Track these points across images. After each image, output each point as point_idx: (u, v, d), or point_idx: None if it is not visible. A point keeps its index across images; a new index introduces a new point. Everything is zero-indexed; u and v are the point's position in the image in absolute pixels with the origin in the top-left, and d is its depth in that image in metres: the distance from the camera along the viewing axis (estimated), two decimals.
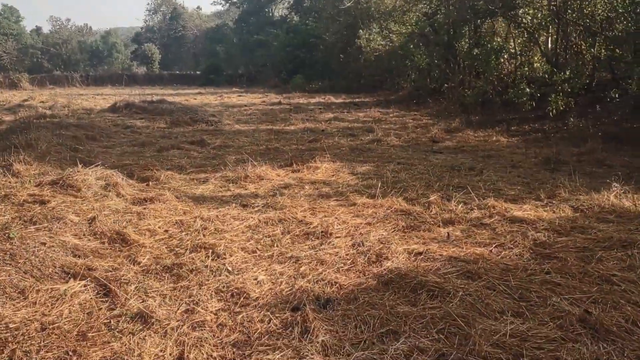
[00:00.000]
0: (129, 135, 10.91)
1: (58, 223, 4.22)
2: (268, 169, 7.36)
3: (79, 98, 22.44)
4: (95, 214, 4.60)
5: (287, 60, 37.42)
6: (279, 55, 38.25)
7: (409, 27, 25.53)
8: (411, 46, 23.83)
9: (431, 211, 5.31)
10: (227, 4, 54.60)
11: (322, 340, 2.74)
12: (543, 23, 14.87)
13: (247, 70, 45.27)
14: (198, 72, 48.32)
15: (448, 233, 4.57)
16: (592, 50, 14.20)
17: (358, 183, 6.69)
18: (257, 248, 4.26)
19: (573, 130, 10.83)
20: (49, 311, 2.93)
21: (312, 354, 2.62)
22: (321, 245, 4.33)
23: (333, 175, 7.15)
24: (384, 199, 5.72)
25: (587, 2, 14.20)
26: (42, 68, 59.66)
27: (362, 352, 2.65)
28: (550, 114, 12.24)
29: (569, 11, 14.40)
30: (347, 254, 4.11)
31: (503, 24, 18.26)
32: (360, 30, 29.29)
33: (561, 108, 11.82)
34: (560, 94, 11.75)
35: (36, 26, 67.68)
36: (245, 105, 20.28)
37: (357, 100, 23.19)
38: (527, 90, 12.29)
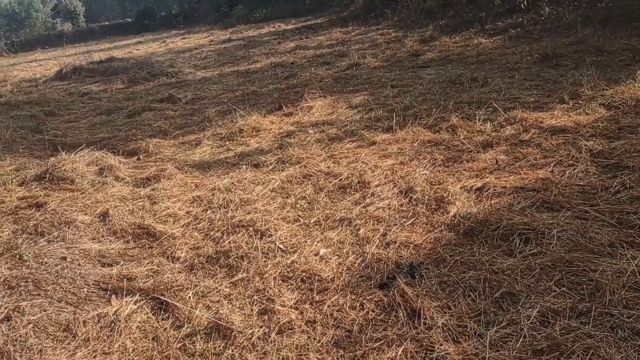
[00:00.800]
0: (88, 103, 9.98)
1: (69, 228, 3.65)
2: (259, 118, 6.78)
3: (14, 69, 20.65)
4: (104, 208, 4.04)
5: None
6: None
7: None
8: None
9: (459, 136, 4.92)
10: None
11: (443, 324, 2.37)
12: None
13: (182, 10, 42.74)
14: (130, 20, 45.36)
15: (496, 159, 4.20)
16: None
17: (363, 117, 6.21)
18: (298, 215, 3.81)
19: (551, 20, 10.43)
20: (109, 347, 2.47)
21: (440, 344, 2.25)
22: (364, 198, 3.92)
23: (332, 113, 6.63)
24: (402, 131, 5.29)
25: None
26: None
27: (493, 330, 2.30)
28: (522, 5, 11.80)
29: None
30: (400, 205, 3.71)
31: None
32: None
33: None
34: None
35: None
36: (196, 49, 19.05)
37: (309, 23, 22.13)
38: None
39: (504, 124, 5.00)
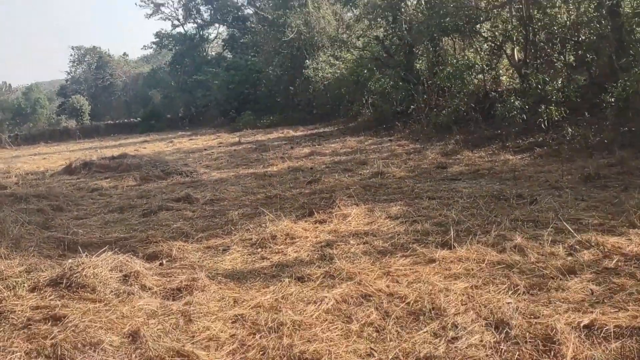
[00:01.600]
0: (99, 200, 9.50)
1: (95, 352, 2.98)
2: (290, 224, 6.28)
3: (17, 161, 20.43)
4: (134, 325, 3.39)
5: (232, 98, 36.35)
6: (221, 93, 37.11)
7: (359, 52, 25.18)
8: (365, 71, 23.44)
9: (530, 258, 4.41)
10: (159, 48, 53.08)
11: None
12: (510, 34, 14.62)
13: (188, 112, 43.83)
14: (137, 120, 46.33)
15: (591, 290, 3.66)
16: (563, 57, 14.06)
17: (407, 229, 5.72)
18: (370, 348, 3.17)
19: (577, 140, 10.33)
20: None
21: None
22: (445, 330, 3.31)
23: (371, 223, 6.15)
24: (461, 248, 4.78)
25: (551, 9, 14.11)
26: None
27: None
28: (543, 125, 11.82)
29: (535, 19, 14.24)
30: (496, 342, 3.09)
31: (460, 40, 18.04)
32: (307, 61, 28.75)
33: (555, 118, 11.42)
34: (554, 104, 11.36)
35: None
36: (205, 150, 19.00)
37: (318, 131, 22.41)
38: (517, 103, 11.82)
39: (578, 247, 4.51)
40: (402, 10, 19.41)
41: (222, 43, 50.32)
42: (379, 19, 20.59)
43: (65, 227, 7.13)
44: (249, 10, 47.22)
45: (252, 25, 41.88)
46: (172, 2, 49.18)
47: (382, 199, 7.42)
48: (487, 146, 11.45)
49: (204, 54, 49.90)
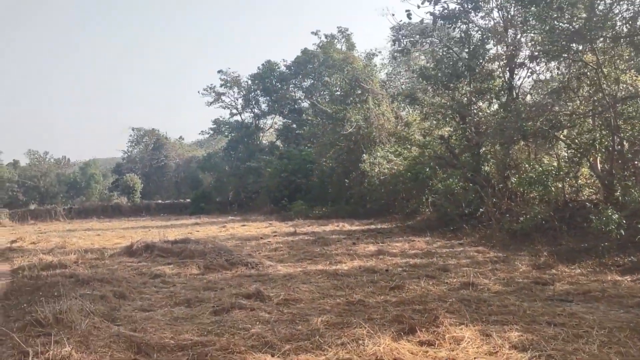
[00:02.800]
0: (162, 288, 8.80)
1: None
2: (390, 342, 5.38)
3: (72, 235, 20.27)
4: None
5: (283, 186, 36.34)
6: (273, 181, 37.19)
7: (419, 149, 24.81)
8: (427, 169, 22.92)
9: None
10: (215, 133, 54.72)
11: None
12: (595, 143, 13.87)
13: (237, 197, 44.03)
14: (186, 201, 46.84)
15: None
16: None
17: None
18: None
19: None
20: None
21: None
22: None
23: (494, 353, 5.16)
24: None
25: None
26: (17, 201, 57.43)
27: None
28: None
29: (622, 129, 13.51)
30: None
31: (537, 145, 17.36)
32: (364, 155, 28.58)
33: None
34: None
35: (13, 160, 66.43)
36: (261, 238, 18.38)
37: (375, 227, 21.61)
38: (615, 217, 10.81)
39: None
40: (474, 111, 19.07)
41: (276, 133, 51.41)
42: (447, 119, 20.24)
43: (132, 322, 6.39)
44: (305, 104, 48.57)
45: (308, 118, 42.72)
46: (233, 92, 51.05)
47: (491, 319, 6.42)
48: (582, 261, 10.35)
49: (258, 141, 50.98)
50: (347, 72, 36.09)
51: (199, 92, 54.63)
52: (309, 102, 47.63)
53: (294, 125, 47.11)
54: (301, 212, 29.48)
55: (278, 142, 49.83)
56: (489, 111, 18.91)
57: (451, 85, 18.98)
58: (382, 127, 30.10)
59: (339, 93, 33.79)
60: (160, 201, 52.18)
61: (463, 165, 19.68)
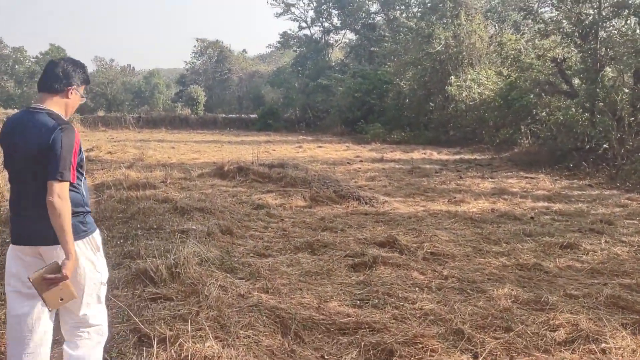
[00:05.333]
0: (271, 224, 7.36)
1: None
2: (628, 337, 3.70)
3: (146, 147, 19.29)
4: None
5: (355, 107, 34.24)
6: (345, 100, 35.08)
7: (521, 73, 21.97)
8: (532, 96, 20.32)
9: None
10: (283, 48, 52.35)
11: None
12: None
13: (305, 115, 42.32)
14: (252, 116, 45.61)
15: None
16: None
17: None
18: None
19: None
20: None
21: None
22: None
23: None
24: None
25: None
26: (86, 106, 57.89)
27: None
28: None
29: None
30: None
31: None
32: (452, 77, 25.96)
33: None
34: None
35: None
36: (348, 162, 16.80)
37: (466, 157, 19.55)
38: None
39: None
40: (605, 30, 16.16)
41: (348, 49, 48.48)
42: (568, 38, 17.38)
43: (258, 276, 4.94)
44: (379, 18, 45.18)
45: (385, 34, 39.61)
46: (304, 3, 48.01)
47: None
48: None
49: (327, 58, 48.41)
50: None
51: (267, 1, 51.85)
52: (384, 17, 44.23)
53: (367, 42, 44.10)
54: (378, 135, 27.56)
55: (348, 60, 47.09)
56: (624, 29, 15.91)
57: None
58: (473, 46, 27.10)
59: (429, 3, 30.25)
60: (224, 115, 51.26)
61: (584, 93, 17.03)
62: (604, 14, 16.21)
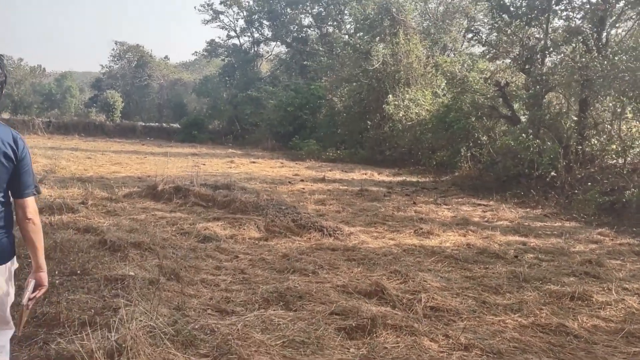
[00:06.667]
0: (223, 262, 5.94)
1: None
2: None
3: (59, 156, 16.98)
4: None
5: (287, 122, 33.10)
6: (276, 114, 33.84)
7: (457, 95, 21.67)
8: (473, 119, 20.05)
9: None
10: (210, 56, 50.36)
11: None
12: None
13: (232, 127, 40.59)
14: (174, 125, 43.26)
15: None
16: None
17: None
18: None
19: None
20: None
21: None
22: None
23: None
24: None
25: None
26: None
27: None
28: None
29: None
30: None
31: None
32: (390, 96, 25.46)
33: None
34: None
35: None
36: (289, 182, 15.53)
37: (406, 179, 18.90)
38: None
39: None
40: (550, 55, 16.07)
41: (279, 62, 47.30)
42: (515, 61, 17.18)
43: (220, 343, 3.55)
44: (312, 32, 44.46)
45: (319, 49, 38.84)
46: (233, 12, 46.46)
47: None
48: None
49: (257, 69, 47.02)
50: None
51: (195, 7, 49.82)
52: (317, 32, 43.58)
53: (299, 56, 43.16)
54: (313, 153, 26.53)
55: (278, 72, 45.89)
56: (571, 56, 15.84)
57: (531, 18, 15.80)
58: (410, 65, 26.81)
59: (367, 21, 29.54)
60: (144, 123, 48.40)
61: (527, 119, 16.84)
62: (551, 39, 16.11)
